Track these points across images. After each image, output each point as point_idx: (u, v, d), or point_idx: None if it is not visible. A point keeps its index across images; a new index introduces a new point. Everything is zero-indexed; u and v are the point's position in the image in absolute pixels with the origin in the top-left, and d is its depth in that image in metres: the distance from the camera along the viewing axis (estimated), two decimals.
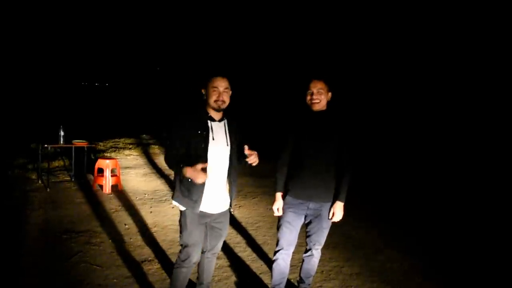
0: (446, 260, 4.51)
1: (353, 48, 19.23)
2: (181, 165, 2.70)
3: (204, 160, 2.79)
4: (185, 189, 2.84)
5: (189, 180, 2.76)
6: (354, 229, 5.33)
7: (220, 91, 2.82)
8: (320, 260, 4.23)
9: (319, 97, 3.09)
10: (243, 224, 5.36)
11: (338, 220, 3.18)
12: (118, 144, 10.74)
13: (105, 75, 36.16)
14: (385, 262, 4.38)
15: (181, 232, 2.95)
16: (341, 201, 3.14)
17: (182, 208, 2.89)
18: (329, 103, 3.19)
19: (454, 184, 7.82)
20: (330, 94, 3.17)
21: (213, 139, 2.85)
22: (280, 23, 22.45)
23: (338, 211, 3.14)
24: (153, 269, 3.99)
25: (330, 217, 3.16)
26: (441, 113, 14.13)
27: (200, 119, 2.87)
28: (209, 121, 2.87)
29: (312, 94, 3.10)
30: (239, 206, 6.11)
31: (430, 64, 16.66)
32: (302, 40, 21.35)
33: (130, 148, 10.30)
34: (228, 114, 2.99)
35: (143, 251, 4.39)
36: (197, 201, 2.84)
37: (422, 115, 14.27)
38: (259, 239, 4.87)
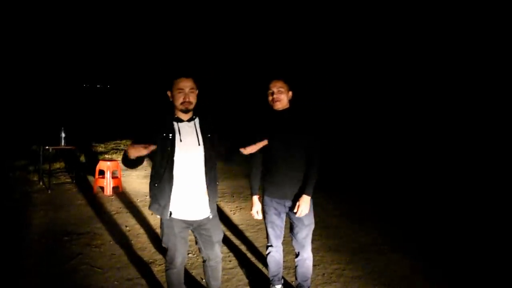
0: (447, 261, 4.49)
1: (339, 48, 19.25)
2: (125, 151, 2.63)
3: (171, 164, 2.73)
4: (154, 195, 2.80)
5: (155, 185, 2.75)
6: (354, 232, 5.31)
7: (186, 92, 2.76)
8: (321, 263, 4.24)
9: (279, 96, 3.14)
10: (244, 226, 5.35)
11: (304, 214, 3.16)
12: (119, 146, 10.75)
13: (106, 77, 36.18)
14: (387, 264, 4.36)
15: (161, 236, 2.92)
16: (307, 194, 3.14)
17: (158, 215, 2.87)
18: (291, 102, 3.24)
19: (454, 184, 7.80)
20: (291, 93, 3.22)
21: (180, 140, 2.77)
22: (256, 22, 22.51)
23: (303, 204, 3.13)
24: (154, 271, 3.98)
25: (295, 211, 3.15)
26: (440, 112, 14.11)
27: (166, 122, 2.81)
28: (175, 123, 2.81)
29: (272, 93, 3.15)
30: (240, 209, 6.10)
31: (429, 62, 16.66)
32: (274, 39, 21.40)
33: None
34: (198, 112, 2.91)
35: (144, 253, 4.38)
36: (165, 207, 2.76)
37: (422, 115, 14.24)
38: (261, 241, 4.86)
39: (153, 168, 2.83)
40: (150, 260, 4.20)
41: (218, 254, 3.04)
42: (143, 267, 4.05)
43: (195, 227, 2.90)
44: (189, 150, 2.79)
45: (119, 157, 9.27)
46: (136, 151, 2.56)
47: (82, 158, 9.10)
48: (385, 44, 18.34)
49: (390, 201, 6.77)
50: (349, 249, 4.74)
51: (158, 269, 4.00)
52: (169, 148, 2.74)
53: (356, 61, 18.74)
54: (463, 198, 6.97)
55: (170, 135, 2.76)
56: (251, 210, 3.38)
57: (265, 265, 4.21)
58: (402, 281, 3.98)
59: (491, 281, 4.10)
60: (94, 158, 9.05)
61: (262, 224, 5.40)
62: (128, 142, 11.20)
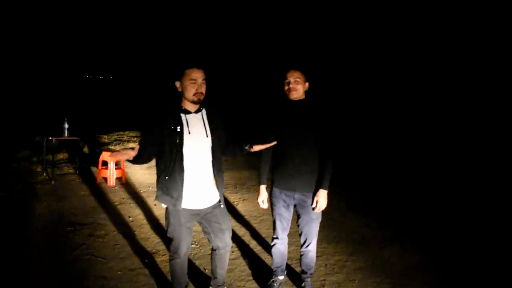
0: (448, 255, 4.49)
1: (343, 43, 19.24)
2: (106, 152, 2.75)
3: (180, 156, 2.74)
4: (164, 187, 2.80)
5: (166, 177, 2.76)
6: (357, 224, 5.32)
7: (199, 83, 2.75)
8: (324, 254, 4.26)
9: (296, 86, 3.14)
10: (247, 217, 5.36)
11: (322, 209, 3.18)
12: (122, 137, 10.76)
13: (109, 68, 36.18)
14: (389, 256, 4.36)
15: (166, 226, 2.93)
16: (324, 189, 3.15)
17: (164, 205, 2.88)
18: (307, 93, 3.24)
19: (455, 180, 7.79)
20: (307, 84, 3.21)
21: (189, 132, 2.77)
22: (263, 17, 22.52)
23: (321, 200, 3.14)
24: (157, 261, 3.99)
25: (314, 206, 3.16)
26: (440, 111, 14.08)
27: (174, 114, 2.79)
28: (182, 115, 2.79)
29: (289, 83, 3.15)
30: (243, 200, 6.11)
31: (429, 62, 16.64)
32: (286, 33, 21.40)
33: (134, 141, 10.31)
34: (205, 104, 2.89)
35: (147, 244, 4.40)
36: (178, 198, 2.78)
37: (423, 113, 14.21)
38: (263, 232, 4.87)
39: (160, 161, 2.81)
40: (153, 251, 4.22)
41: (228, 242, 3.06)
42: (146, 257, 4.07)
43: (203, 216, 2.92)
44: (197, 141, 2.79)
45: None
46: (121, 155, 2.73)
47: (86, 149, 9.12)
48: (384, 44, 18.32)
49: (392, 195, 6.76)
50: (352, 241, 4.75)
51: (161, 259, 4.02)
52: (177, 141, 2.73)
53: (355, 61, 18.70)
54: (464, 194, 6.96)
55: (178, 127, 2.75)
56: (257, 199, 3.40)
57: (269, 254, 4.23)
58: (404, 273, 3.99)
59: (491, 275, 4.11)
60: (98, 149, 9.07)
61: (265, 215, 5.42)
62: (131, 133, 11.24)
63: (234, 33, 23.54)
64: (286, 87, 3.17)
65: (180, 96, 2.83)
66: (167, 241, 4.48)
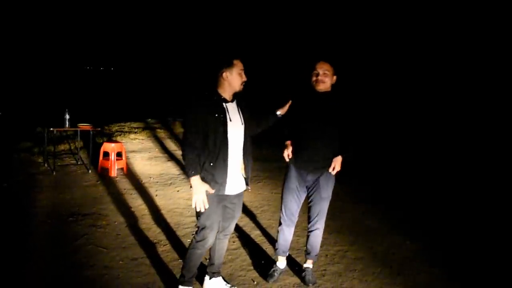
0: (448, 245, 4.51)
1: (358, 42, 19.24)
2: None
3: (225, 143, 2.84)
4: (209, 174, 2.86)
5: (211, 164, 2.83)
6: (358, 214, 5.33)
7: (244, 73, 2.93)
8: (324, 244, 4.27)
9: (324, 78, 3.20)
10: (248, 207, 5.38)
11: (336, 171, 3.27)
12: (123, 128, 10.75)
13: (110, 59, 36.07)
14: (389, 247, 4.38)
15: (198, 215, 2.95)
16: (343, 156, 3.25)
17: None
18: (333, 87, 3.30)
19: (457, 173, 7.79)
20: (335, 77, 3.28)
21: (230, 120, 2.89)
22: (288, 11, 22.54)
23: (338, 164, 3.24)
24: (159, 251, 4.01)
25: (331, 169, 3.24)
26: (441, 111, 14.07)
27: (216, 102, 2.88)
28: (224, 103, 2.90)
29: (317, 74, 3.21)
30: (244, 190, 6.11)
31: (429, 62, 16.64)
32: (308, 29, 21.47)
33: (135, 132, 10.31)
34: (235, 94, 3.01)
35: (149, 234, 4.42)
36: (223, 184, 2.89)
37: (422, 113, 14.19)
38: (264, 223, 4.89)
39: (206, 148, 2.84)
40: (155, 241, 4.24)
41: (231, 229, 3.22)
42: (148, 247, 4.09)
43: (225, 202, 3.03)
44: (237, 128, 2.93)
45: (123, 139, 9.29)
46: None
47: (87, 140, 9.12)
48: (384, 44, 18.30)
49: (393, 186, 6.78)
50: (352, 231, 4.77)
51: (162, 249, 4.04)
52: (222, 129, 2.84)
53: (356, 61, 18.67)
54: (465, 187, 6.97)
55: (222, 115, 2.85)
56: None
57: (270, 245, 4.26)
58: (404, 263, 4.02)
59: (491, 264, 4.13)
60: (99, 140, 9.08)
61: (266, 205, 5.45)
62: (133, 125, 11.22)
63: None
64: (314, 78, 3.23)
65: (215, 85, 2.93)
66: (169, 231, 4.52)
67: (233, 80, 2.89)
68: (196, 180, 2.79)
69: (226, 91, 2.92)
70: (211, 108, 2.84)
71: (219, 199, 2.95)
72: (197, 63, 24.57)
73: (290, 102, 3.21)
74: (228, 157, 2.87)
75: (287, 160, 3.38)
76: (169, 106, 14.16)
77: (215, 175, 2.85)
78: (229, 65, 2.88)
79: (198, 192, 2.80)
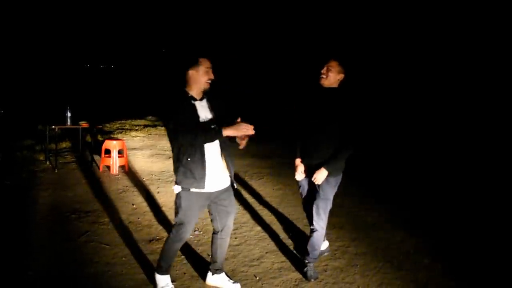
0: (450, 240, 4.52)
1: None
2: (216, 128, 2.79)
3: None
4: (187, 170, 2.87)
5: (189, 159, 2.84)
6: (359, 210, 5.34)
7: (211, 71, 2.94)
8: (326, 240, 4.28)
9: (327, 73, 3.26)
10: (250, 204, 5.39)
11: (317, 183, 3.30)
12: (124, 126, 10.77)
13: (110, 57, 36.08)
14: (390, 242, 4.40)
15: (177, 212, 3.00)
16: (325, 168, 3.26)
17: (177, 190, 2.95)
18: (341, 84, 3.35)
19: (459, 170, 7.80)
20: (342, 75, 3.32)
21: (199, 117, 2.91)
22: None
23: (318, 175, 3.27)
24: (160, 247, 4.02)
25: (313, 178, 3.30)
26: (440, 110, 14.07)
27: (186, 101, 2.91)
28: (192, 101, 2.93)
29: (322, 70, 3.28)
30: (246, 187, 6.13)
31: (429, 62, 16.65)
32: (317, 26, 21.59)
33: (136, 130, 10.33)
34: (206, 93, 3.01)
35: (151, 230, 4.44)
36: (201, 179, 2.88)
37: (422, 112, 14.20)
38: (266, 219, 4.90)
39: (180, 148, 2.87)
40: (157, 237, 4.26)
41: (230, 225, 3.21)
42: (150, 244, 4.11)
43: (213, 198, 3.03)
44: (207, 126, 2.92)
45: (124, 137, 9.31)
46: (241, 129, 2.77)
47: (88, 138, 9.14)
48: (384, 43, 18.30)
49: (395, 182, 6.78)
50: (354, 227, 4.78)
51: None
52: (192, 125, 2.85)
53: (355, 61, 18.69)
54: (467, 183, 6.98)
55: (191, 113, 2.88)
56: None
57: (271, 241, 4.27)
58: (406, 258, 4.03)
59: (492, 260, 4.14)
60: (100, 138, 9.10)
61: (267, 202, 5.45)
62: (134, 122, 11.24)
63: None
64: (320, 74, 3.30)
65: (184, 84, 2.96)
66: (170, 227, 4.52)
67: (197, 78, 2.90)
68: (226, 129, 2.76)
69: (193, 90, 2.94)
70: (180, 107, 2.87)
71: (198, 196, 2.94)
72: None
73: (239, 119, 2.98)
74: (205, 152, 2.88)
75: (299, 180, 3.52)
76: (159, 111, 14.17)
77: (193, 170, 2.86)
78: (195, 63, 2.90)
79: (235, 129, 2.77)
